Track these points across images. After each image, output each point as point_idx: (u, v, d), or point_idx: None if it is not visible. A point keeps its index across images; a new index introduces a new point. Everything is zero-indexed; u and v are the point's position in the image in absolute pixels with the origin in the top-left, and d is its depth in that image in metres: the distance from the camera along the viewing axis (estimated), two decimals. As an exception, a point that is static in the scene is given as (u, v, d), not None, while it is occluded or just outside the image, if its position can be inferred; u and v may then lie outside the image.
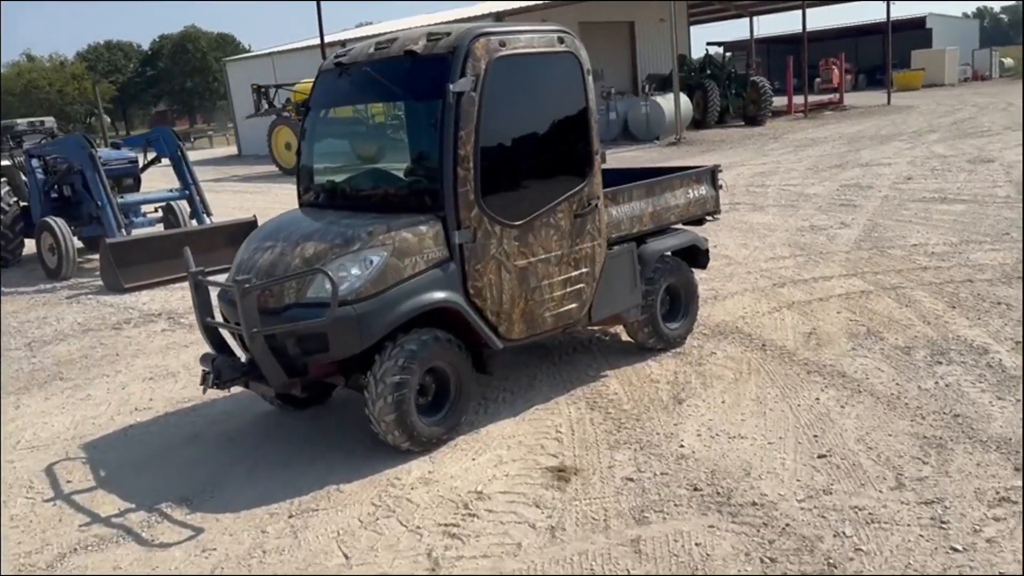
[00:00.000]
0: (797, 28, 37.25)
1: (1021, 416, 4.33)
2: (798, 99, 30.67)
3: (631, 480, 4.04)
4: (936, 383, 4.86)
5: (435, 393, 4.70)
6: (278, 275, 4.51)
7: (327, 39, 25.82)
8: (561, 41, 4.99)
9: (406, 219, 4.57)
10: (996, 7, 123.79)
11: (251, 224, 10.59)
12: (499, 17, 27.37)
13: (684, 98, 25.80)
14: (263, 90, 25.65)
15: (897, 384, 4.90)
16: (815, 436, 4.32)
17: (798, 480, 3.88)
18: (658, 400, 5.02)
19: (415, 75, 4.82)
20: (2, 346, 7.72)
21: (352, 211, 4.95)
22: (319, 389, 5.31)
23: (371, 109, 6.28)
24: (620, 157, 20.67)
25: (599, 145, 5.20)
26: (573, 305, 5.14)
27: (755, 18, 38.02)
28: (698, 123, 27.23)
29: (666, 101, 24.97)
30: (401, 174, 5.21)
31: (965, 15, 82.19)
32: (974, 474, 3.77)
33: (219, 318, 4.98)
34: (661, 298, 5.80)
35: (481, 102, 4.53)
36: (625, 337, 6.08)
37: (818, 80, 42.86)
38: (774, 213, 11.16)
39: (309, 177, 5.50)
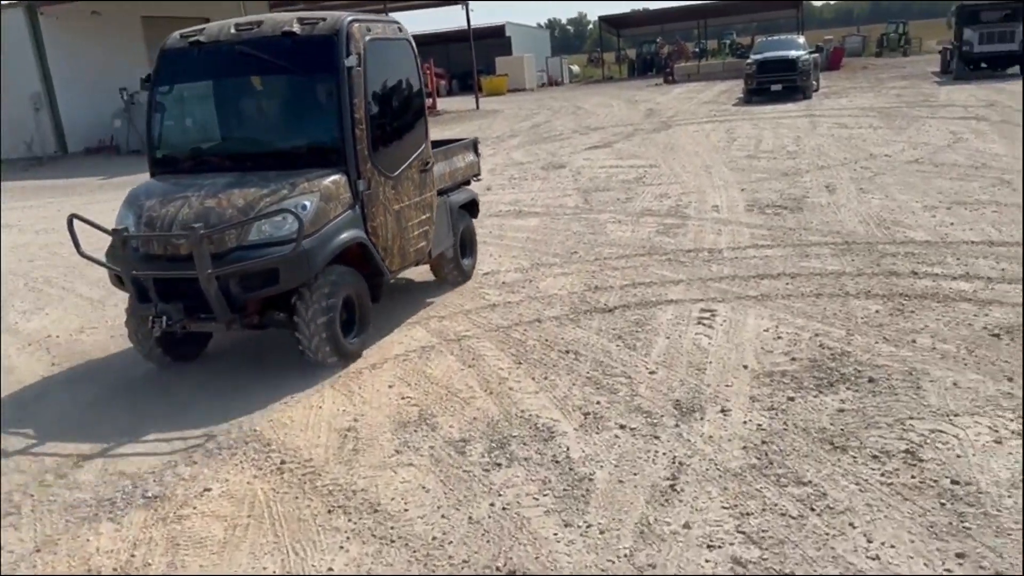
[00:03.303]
0: (387, 32, 37.01)
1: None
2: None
3: None
4: (492, 505, 3.61)
5: (345, 318, 5.37)
6: (217, 222, 4.89)
7: None
8: (400, 30, 6.16)
9: (320, 172, 5.29)
10: (564, 19, 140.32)
11: None
12: None
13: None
14: None
15: (443, 516, 3.56)
16: (313, 661, 2.75)
17: None
18: (85, 617, 3.08)
19: (299, 53, 5.48)
20: None
21: (235, 172, 5.40)
22: (196, 346, 5.84)
23: (240, 81, 6.10)
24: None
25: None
26: (423, 243, 6.29)
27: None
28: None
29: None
30: (291, 139, 5.80)
31: (539, 25, 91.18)
32: None
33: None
34: (459, 240, 7.05)
35: (363, 76, 5.42)
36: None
37: (414, 84, 43.38)
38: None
39: (167, 147, 5.94)
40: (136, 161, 21.10)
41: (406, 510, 3.63)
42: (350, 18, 5.47)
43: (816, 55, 26.06)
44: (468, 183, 7.61)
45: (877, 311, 5.66)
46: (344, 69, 5.28)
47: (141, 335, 5.39)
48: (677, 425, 4.20)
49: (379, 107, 5.66)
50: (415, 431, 4.42)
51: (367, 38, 5.53)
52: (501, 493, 3.70)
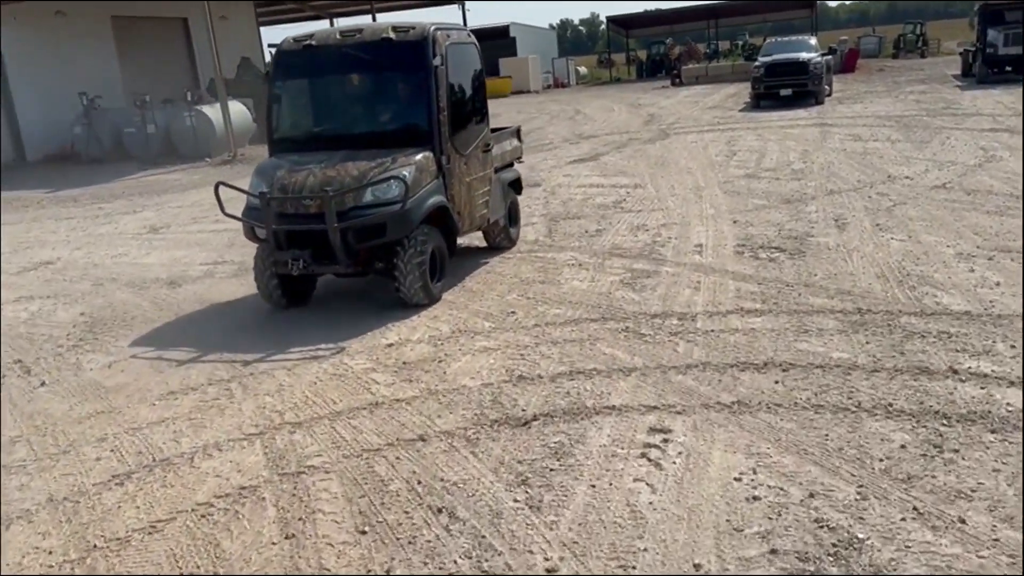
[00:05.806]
0: (380, 32, 35.35)
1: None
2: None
3: None
4: None
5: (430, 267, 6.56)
6: (339, 188, 6.13)
7: None
8: (469, 36, 7.61)
9: (413, 150, 6.54)
10: (576, 20, 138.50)
11: None
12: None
13: (241, 107, 22.06)
14: None
15: None
16: None
17: None
18: None
19: (396, 54, 6.83)
20: None
21: (344, 150, 6.65)
22: (304, 295, 6.96)
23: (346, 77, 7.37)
24: (155, 181, 16.24)
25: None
26: (485, 211, 7.64)
27: (335, 20, 35.34)
28: (269, 136, 23.67)
29: (216, 112, 21.03)
30: (389, 123, 7.12)
31: (550, 26, 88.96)
32: None
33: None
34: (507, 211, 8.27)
35: (446, 73, 6.73)
36: None
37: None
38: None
39: (282, 131, 7.24)
40: (97, 170, 19.43)
41: None
42: (434, 26, 6.82)
43: (829, 57, 24.01)
44: (512, 164, 8.63)
45: (903, 447, 3.83)
46: (432, 68, 6.61)
47: (266, 279, 6.61)
48: None
49: (455, 98, 6.99)
50: None
51: (447, 43, 6.89)
52: None
